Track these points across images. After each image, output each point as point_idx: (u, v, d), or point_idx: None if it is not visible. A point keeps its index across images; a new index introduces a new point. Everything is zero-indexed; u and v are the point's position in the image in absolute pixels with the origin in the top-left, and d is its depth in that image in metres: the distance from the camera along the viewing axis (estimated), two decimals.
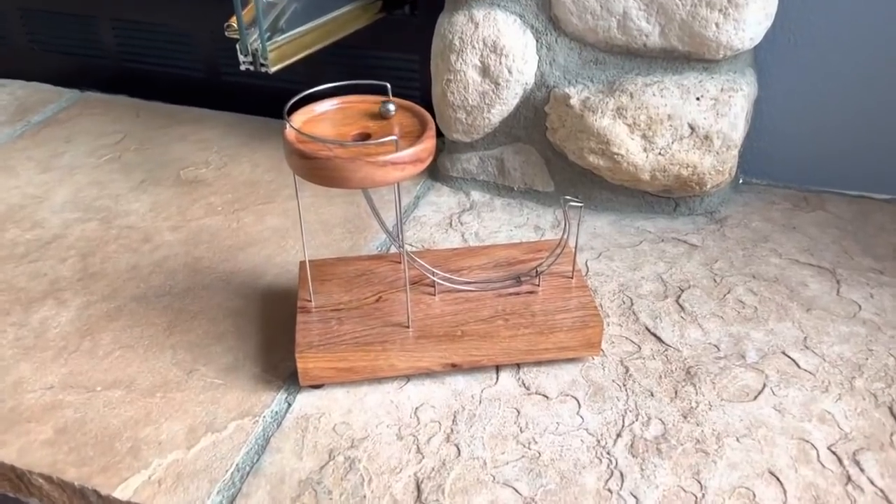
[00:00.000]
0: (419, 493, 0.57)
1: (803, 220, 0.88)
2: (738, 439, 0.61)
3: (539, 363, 0.68)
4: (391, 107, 0.61)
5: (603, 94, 0.82)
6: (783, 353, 0.69)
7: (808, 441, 0.61)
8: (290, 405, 0.65)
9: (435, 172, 0.97)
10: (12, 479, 0.61)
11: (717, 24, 0.77)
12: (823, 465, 0.59)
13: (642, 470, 0.59)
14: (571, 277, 0.71)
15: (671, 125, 0.81)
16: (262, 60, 0.82)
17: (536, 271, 0.70)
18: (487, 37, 0.83)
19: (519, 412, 0.64)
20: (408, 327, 0.65)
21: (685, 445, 0.61)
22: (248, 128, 1.10)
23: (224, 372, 0.68)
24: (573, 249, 0.71)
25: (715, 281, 0.79)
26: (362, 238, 0.86)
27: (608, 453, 0.60)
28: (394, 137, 0.57)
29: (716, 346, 0.70)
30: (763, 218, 0.89)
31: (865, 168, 0.91)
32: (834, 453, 0.60)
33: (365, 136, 0.60)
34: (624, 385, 0.66)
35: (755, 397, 0.65)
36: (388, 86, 0.63)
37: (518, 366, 0.68)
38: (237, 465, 0.59)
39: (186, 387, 0.66)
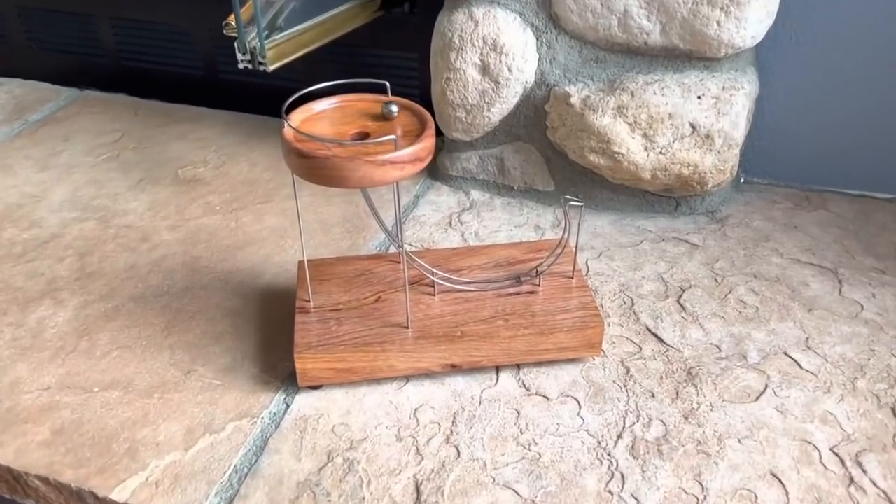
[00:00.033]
0: (418, 495, 0.57)
1: (805, 219, 0.88)
2: (739, 440, 0.61)
3: (539, 364, 0.68)
4: (394, 108, 0.61)
5: (603, 93, 0.82)
6: (785, 353, 0.69)
7: (810, 442, 0.61)
8: (288, 406, 0.64)
9: (434, 171, 0.97)
10: (9, 480, 0.61)
11: (718, 23, 0.76)
12: (826, 467, 0.59)
13: (643, 471, 0.58)
14: (572, 277, 0.70)
15: (672, 124, 0.80)
16: (260, 59, 0.81)
17: (536, 271, 0.70)
18: (487, 35, 0.82)
19: (519, 413, 0.63)
20: (407, 328, 0.65)
21: (686, 447, 0.60)
22: (246, 126, 1.09)
23: (222, 372, 0.67)
24: (573, 249, 0.71)
25: (716, 281, 0.78)
26: (361, 238, 0.86)
27: (609, 455, 0.60)
28: (393, 136, 0.56)
29: (717, 346, 0.70)
30: (764, 217, 0.88)
31: (867, 167, 0.91)
32: (836, 455, 0.60)
33: (364, 135, 0.60)
34: (625, 386, 0.66)
35: (757, 398, 0.64)
36: (388, 84, 0.63)
37: (518, 366, 0.68)
38: (235, 466, 0.59)
39: (184, 387, 0.66)
